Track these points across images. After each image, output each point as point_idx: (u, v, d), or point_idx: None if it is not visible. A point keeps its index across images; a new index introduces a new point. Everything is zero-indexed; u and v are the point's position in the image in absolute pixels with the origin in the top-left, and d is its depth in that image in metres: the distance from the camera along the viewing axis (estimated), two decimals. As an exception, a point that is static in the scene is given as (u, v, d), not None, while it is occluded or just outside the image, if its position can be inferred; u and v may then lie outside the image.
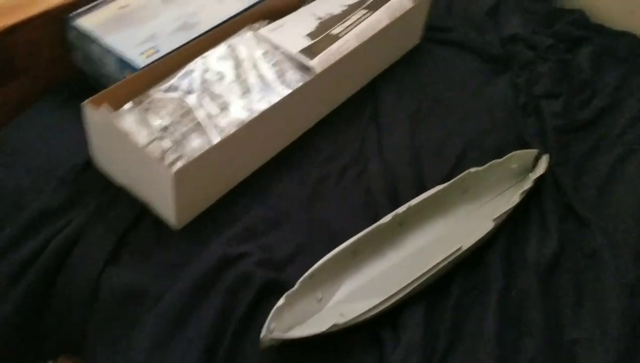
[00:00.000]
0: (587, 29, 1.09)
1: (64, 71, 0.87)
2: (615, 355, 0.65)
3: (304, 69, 0.85)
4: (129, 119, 0.75)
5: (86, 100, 0.71)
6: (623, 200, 0.81)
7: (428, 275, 0.68)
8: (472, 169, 0.80)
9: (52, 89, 0.86)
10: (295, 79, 0.84)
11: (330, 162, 0.83)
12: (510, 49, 1.02)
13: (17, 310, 0.68)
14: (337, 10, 0.95)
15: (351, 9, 0.96)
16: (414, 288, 0.68)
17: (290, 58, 0.86)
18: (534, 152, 0.84)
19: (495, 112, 0.93)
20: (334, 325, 0.62)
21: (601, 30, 1.09)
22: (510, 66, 1.00)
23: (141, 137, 0.73)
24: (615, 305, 0.69)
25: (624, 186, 0.83)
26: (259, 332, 0.61)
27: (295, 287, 0.65)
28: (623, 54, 1.04)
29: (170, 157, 0.73)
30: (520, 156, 0.83)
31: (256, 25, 0.90)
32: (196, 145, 0.75)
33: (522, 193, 0.78)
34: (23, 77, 0.83)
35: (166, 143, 0.74)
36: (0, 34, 0.78)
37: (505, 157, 0.82)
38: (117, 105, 0.75)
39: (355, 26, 0.92)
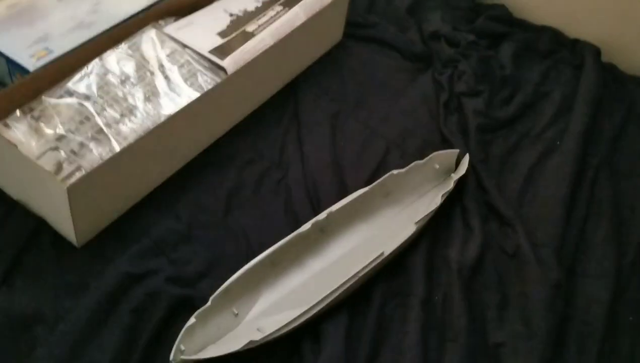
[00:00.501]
0: (509, 24, 1.09)
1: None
2: (539, 356, 0.64)
3: (216, 69, 0.80)
4: (18, 128, 0.68)
5: (-35, 109, 0.64)
6: (545, 198, 0.81)
7: (350, 284, 0.65)
8: (394, 171, 0.78)
9: None
10: (206, 81, 0.78)
11: (247, 168, 0.79)
12: (432, 46, 1.01)
13: None
14: (250, 6, 0.90)
15: (266, 6, 0.91)
16: (335, 298, 0.64)
17: (200, 58, 0.81)
18: (455, 152, 0.82)
19: (417, 111, 0.92)
20: (250, 342, 0.58)
21: (523, 25, 1.09)
22: (432, 64, 0.99)
23: (33, 148, 0.66)
24: (539, 306, 0.68)
25: (545, 183, 0.83)
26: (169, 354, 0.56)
27: (208, 303, 0.60)
28: (544, 49, 1.05)
29: (67, 169, 0.66)
30: (442, 156, 0.81)
31: (161, 23, 0.84)
32: (96, 154, 0.69)
33: (443, 194, 0.76)
34: None
35: (62, 154, 0.67)
36: None
37: (427, 158, 0.80)
38: (4, 113, 0.68)
39: (271, 23, 0.88)
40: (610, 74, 1.02)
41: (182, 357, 0.57)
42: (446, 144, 0.86)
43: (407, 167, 0.78)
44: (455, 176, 0.79)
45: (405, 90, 0.94)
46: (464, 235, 0.74)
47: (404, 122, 0.89)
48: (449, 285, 0.69)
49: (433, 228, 0.75)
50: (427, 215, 0.73)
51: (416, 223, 0.72)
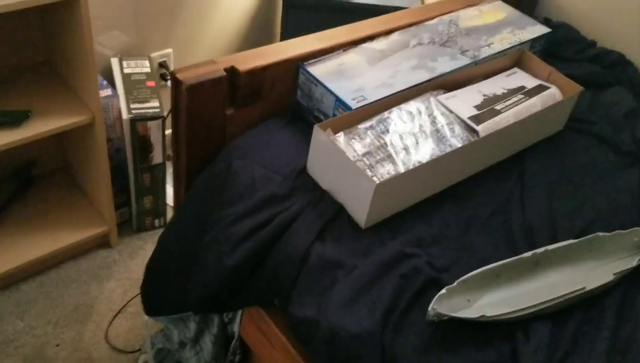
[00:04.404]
0: None
1: (288, 101, 1.16)
2: None
3: (471, 131, 1.08)
4: (340, 143, 1.00)
5: (317, 124, 0.98)
6: None
7: (554, 302, 0.86)
8: (600, 233, 0.98)
9: (279, 112, 1.15)
10: (464, 137, 1.07)
11: (480, 206, 1.04)
12: (641, 147, 1.21)
13: (243, 261, 0.93)
14: (499, 91, 1.18)
15: (511, 93, 1.18)
16: (541, 309, 0.86)
17: (460, 121, 1.09)
18: (653, 231, 1.00)
19: (621, 196, 1.11)
20: (483, 316, 0.81)
21: None
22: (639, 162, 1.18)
23: (349, 156, 0.98)
24: None
25: None
26: (425, 308, 0.82)
27: (454, 284, 0.85)
28: None
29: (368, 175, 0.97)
30: (641, 232, 1.00)
31: (435, 92, 1.15)
32: (385, 171, 0.99)
33: (639, 259, 0.95)
34: (263, 101, 1.12)
35: (364, 164, 0.98)
36: (257, 70, 1.08)
37: (629, 230, 1.00)
38: (334, 131, 1.01)
39: (514, 106, 1.15)
40: None
41: (436, 311, 0.82)
42: (645, 226, 1.04)
43: (611, 233, 0.98)
44: (652, 249, 0.97)
45: (614, 178, 1.14)
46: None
47: (610, 201, 1.09)
48: (633, 327, 0.87)
49: (627, 283, 0.93)
50: (625, 270, 0.92)
51: (614, 274, 0.92)
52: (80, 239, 1.56)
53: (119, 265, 1.61)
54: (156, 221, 1.74)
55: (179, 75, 1.03)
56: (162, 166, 1.63)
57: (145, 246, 1.67)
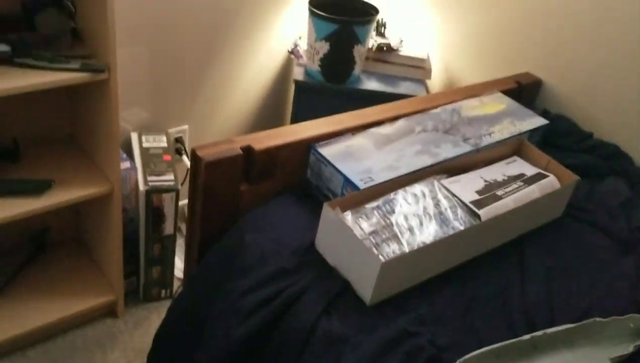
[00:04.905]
0: None
1: (298, 179, 1.22)
2: None
3: (473, 215, 1.13)
4: (348, 221, 1.05)
5: (326, 203, 1.04)
6: None
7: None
8: (597, 319, 1.01)
9: (289, 189, 1.21)
10: (466, 221, 1.12)
11: (481, 288, 1.08)
12: (637, 236, 1.25)
13: (251, 334, 0.96)
14: (499, 177, 1.24)
15: (511, 180, 1.25)
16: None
17: (463, 204, 1.15)
18: (649, 318, 1.03)
19: (618, 282, 1.14)
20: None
21: None
22: (635, 250, 1.22)
23: (356, 234, 1.03)
24: None
25: None
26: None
27: (456, 363, 0.88)
28: None
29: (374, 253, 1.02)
30: (637, 320, 1.03)
31: (438, 176, 1.21)
32: (390, 250, 1.03)
33: (635, 346, 0.97)
34: (275, 179, 1.19)
35: (370, 243, 1.03)
36: (272, 149, 1.15)
37: (626, 316, 1.02)
38: (342, 210, 1.06)
39: (514, 193, 1.20)
40: None
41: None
42: (641, 312, 1.07)
43: (608, 319, 1.01)
44: (647, 336, 1.00)
45: (610, 264, 1.18)
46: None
47: (607, 287, 1.12)
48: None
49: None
50: (621, 355, 0.94)
51: (611, 359, 0.94)
52: (88, 307, 1.59)
53: (124, 334, 1.62)
54: (162, 292, 1.76)
55: (199, 152, 1.10)
56: (172, 237, 1.68)
57: (150, 316, 1.69)
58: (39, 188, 1.38)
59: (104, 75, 1.30)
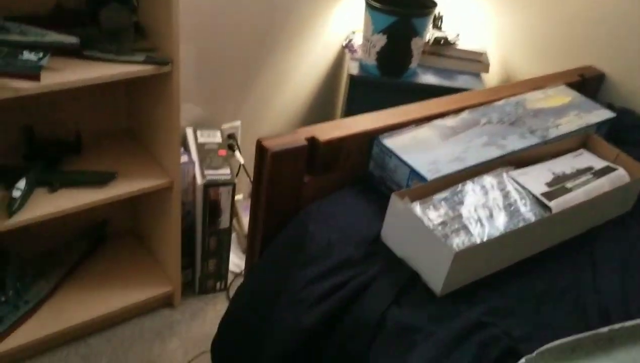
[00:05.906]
0: None
1: (360, 171, 1.22)
2: None
3: (542, 207, 1.10)
4: (417, 212, 1.04)
5: (394, 193, 1.02)
6: None
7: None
8: (676, 314, 0.97)
9: (351, 181, 1.20)
10: (535, 213, 1.09)
11: (553, 281, 1.05)
12: None
13: (317, 323, 0.95)
14: (568, 170, 1.21)
15: (579, 172, 1.21)
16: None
17: (533, 196, 1.12)
18: None
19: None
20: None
21: None
22: None
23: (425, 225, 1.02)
24: None
25: None
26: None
27: (533, 354, 0.85)
28: None
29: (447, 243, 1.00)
30: None
31: (506, 168, 1.18)
32: (460, 241, 1.01)
33: None
34: (337, 170, 1.18)
35: (439, 233, 1.01)
36: (335, 140, 1.15)
37: None
38: (410, 201, 1.05)
39: (583, 185, 1.17)
40: None
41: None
42: None
43: (688, 314, 0.97)
44: None
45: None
46: None
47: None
48: None
49: None
50: None
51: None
52: (146, 298, 1.61)
53: (181, 325, 1.64)
54: (217, 284, 1.78)
55: (265, 143, 1.10)
56: (228, 231, 1.69)
57: (206, 307, 1.71)
58: (103, 179, 1.41)
59: (168, 68, 1.32)
